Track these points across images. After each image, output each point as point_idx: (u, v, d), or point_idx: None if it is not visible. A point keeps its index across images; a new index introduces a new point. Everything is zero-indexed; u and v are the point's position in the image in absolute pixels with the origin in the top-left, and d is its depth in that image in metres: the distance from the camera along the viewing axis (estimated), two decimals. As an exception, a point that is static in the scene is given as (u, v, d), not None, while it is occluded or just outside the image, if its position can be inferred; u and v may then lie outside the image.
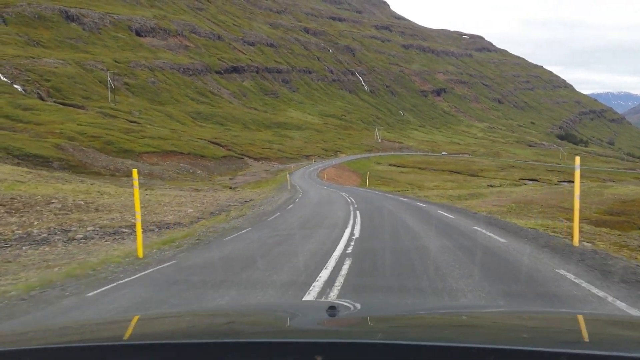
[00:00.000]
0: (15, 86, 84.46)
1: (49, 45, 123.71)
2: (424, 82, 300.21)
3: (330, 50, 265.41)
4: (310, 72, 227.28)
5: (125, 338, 1.92)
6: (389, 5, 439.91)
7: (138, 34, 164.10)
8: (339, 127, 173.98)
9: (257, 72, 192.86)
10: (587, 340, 1.91)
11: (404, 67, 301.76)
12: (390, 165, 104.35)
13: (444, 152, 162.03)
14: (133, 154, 64.19)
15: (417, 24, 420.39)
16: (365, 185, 57.77)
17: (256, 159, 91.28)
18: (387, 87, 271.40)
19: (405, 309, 2.92)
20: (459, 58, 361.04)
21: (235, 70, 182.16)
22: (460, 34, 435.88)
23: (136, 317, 2.44)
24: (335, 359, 1.54)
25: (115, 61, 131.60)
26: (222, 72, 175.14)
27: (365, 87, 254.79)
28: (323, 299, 6.16)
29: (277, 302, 5.87)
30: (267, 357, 1.59)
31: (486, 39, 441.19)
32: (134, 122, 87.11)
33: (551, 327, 2.18)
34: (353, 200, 28.03)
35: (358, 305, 2.44)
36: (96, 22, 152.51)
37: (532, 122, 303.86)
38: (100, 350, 1.71)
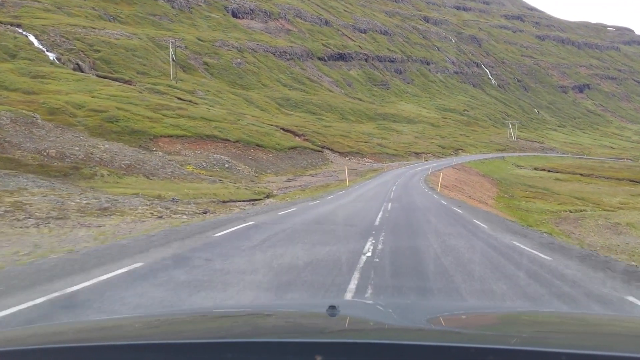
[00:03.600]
0: (48, 53, 67.54)
1: (126, 21, 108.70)
2: (563, 76, 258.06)
3: (453, 40, 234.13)
4: (428, 63, 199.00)
5: (125, 338, 1.87)
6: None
7: (234, 15, 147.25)
8: (460, 122, 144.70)
9: (366, 60, 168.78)
10: (587, 340, 1.87)
11: (539, 60, 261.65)
12: (535, 169, 74.62)
13: None
14: (144, 137, 42.52)
15: (553, 16, 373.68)
16: (511, 213, 27.39)
17: (342, 154, 66.54)
18: (518, 81, 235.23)
19: (406, 309, 2.82)
20: (604, 51, 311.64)
21: (342, 57, 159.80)
22: (603, 26, 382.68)
23: (137, 317, 2.54)
24: (335, 359, 1.49)
25: (199, 39, 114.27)
26: (326, 58, 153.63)
27: (493, 81, 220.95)
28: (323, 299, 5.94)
29: (277, 302, 5.77)
30: (267, 356, 1.54)
31: (636, 32, 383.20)
32: (188, 100, 66.50)
33: (551, 327, 2.13)
34: None
35: (364, 304, 2.48)
36: (188, 1, 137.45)
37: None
38: (101, 350, 1.66)
